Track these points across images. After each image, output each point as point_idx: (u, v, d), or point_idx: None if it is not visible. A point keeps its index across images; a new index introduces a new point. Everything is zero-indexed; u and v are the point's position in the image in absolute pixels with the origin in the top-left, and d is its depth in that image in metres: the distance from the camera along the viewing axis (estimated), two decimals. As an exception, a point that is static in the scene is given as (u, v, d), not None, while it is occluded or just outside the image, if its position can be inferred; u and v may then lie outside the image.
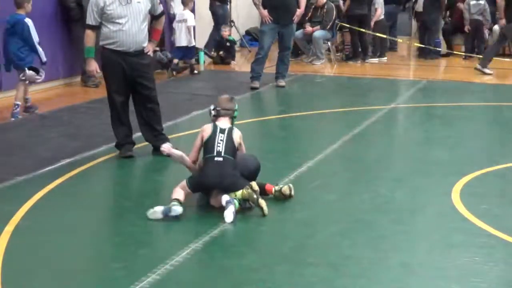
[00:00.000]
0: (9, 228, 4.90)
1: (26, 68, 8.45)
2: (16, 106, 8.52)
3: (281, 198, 5.41)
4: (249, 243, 4.65)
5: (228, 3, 14.06)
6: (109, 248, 4.76)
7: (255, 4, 10.68)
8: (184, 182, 5.29)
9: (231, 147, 5.41)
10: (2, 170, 6.33)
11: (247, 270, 4.26)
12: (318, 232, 4.85)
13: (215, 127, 5.44)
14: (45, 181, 5.99)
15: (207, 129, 5.46)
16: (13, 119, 8.49)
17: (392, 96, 10.06)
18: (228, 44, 13.80)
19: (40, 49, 8.51)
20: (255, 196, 5.12)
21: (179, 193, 5.20)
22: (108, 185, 6.34)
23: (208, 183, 5.29)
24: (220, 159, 5.31)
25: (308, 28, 13.41)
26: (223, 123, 5.50)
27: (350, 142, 7.38)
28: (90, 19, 6.50)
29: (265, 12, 10.39)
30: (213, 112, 5.54)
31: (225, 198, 5.10)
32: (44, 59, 8.60)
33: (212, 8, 13.73)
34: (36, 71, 8.56)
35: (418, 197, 5.62)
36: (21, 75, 8.51)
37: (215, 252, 4.53)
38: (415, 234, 4.85)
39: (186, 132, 7.43)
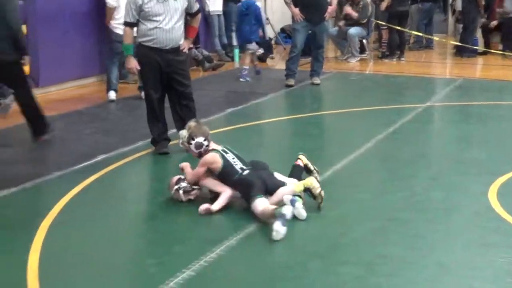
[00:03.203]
0: (46, 223, 4.97)
1: (254, 42, 11.08)
2: (244, 69, 11.11)
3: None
4: (283, 240, 4.65)
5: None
6: (144, 245, 4.80)
7: (286, 3, 10.62)
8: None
9: (242, 158, 5.44)
10: (39, 166, 6.43)
11: (281, 267, 4.26)
12: (352, 230, 4.83)
13: (221, 155, 5.35)
14: (82, 176, 6.06)
15: (217, 160, 5.31)
16: (241, 79, 11.00)
17: (428, 95, 9.96)
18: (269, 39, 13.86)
19: (265, 27, 11.94)
20: (317, 185, 5.12)
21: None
22: (144, 181, 6.39)
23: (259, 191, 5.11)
24: (248, 170, 5.28)
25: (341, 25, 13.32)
26: (215, 145, 5.51)
27: (385, 140, 7.34)
28: (128, 16, 6.56)
29: (297, 10, 10.35)
30: (205, 143, 5.44)
31: (287, 198, 4.93)
32: (267, 36, 12.36)
33: (225, 7, 13.69)
34: (258, 44, 11.41)
35: (454, 196, 5.56)
36: (249, 45, 11.07)
37: (249, 248, 4.54)
38: (451, 233, 4.80)
39: (220, 129, 7.45)
